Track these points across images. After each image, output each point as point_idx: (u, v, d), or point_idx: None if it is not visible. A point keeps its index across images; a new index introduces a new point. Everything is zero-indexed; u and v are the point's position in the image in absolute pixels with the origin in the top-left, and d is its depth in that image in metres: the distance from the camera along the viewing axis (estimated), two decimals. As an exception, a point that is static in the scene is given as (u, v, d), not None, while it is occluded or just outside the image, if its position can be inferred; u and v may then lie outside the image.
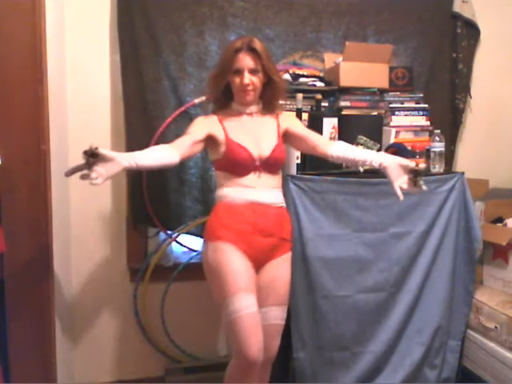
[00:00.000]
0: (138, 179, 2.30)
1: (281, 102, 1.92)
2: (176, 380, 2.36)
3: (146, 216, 2.33)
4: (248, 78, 1.74)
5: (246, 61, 1.74)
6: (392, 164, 1.77)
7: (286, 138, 1.89)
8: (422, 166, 1.76)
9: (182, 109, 2.31)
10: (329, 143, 1.90)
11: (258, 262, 1.77)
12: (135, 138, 2.30)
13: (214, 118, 1.82)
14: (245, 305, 1.62)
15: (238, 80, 1.75)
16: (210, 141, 1.77)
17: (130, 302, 2.44)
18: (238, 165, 1.74)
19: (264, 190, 1.77)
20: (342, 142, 1.90)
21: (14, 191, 1.59)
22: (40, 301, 1.66)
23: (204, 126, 1.77)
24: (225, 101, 1.84)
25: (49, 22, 1.71)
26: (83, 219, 2.36)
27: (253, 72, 1.75)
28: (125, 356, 2.46)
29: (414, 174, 1.72)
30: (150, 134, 2.30)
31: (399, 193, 1.73)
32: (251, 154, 1.74)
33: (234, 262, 1.69)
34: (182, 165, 2.36)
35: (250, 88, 1.75)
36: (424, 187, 1.72)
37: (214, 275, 1.72)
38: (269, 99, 1.85)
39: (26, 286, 1.63)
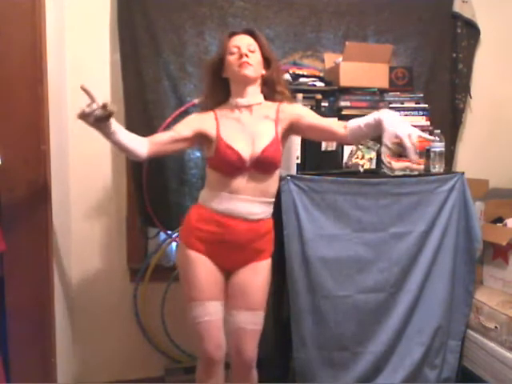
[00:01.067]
0: (138, 179, 2.30)
1: (284, 91, 1.81)
2: (176, 380, 2.36)
3: (146, 216, 2.33)
4: (245, 48, 1.69)
5: (242, 39, 1.72)
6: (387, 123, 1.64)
7: (297, 129, 1.80)
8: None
9: (182, 109, 2.31)
10: (343, 125, 1.74)
11: (229, 267, 1.77)
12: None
13: (209, 115, 1.77)
14: (205, 312, 1.71)
15: (234, 57, 1.69)
16: (202, 138, 1.74)
17: (130, 302, 2.44)
18: (226, 166, 1.69)
19: (248, 202, 1.71)
20: (351, 122, 1.74)
21: (14, 191, 1.59)
22: (40, 300, 1.66)
23: (195, 123, 1.74)
24: (222, 96, 1.79)
25: (49, 22, 1.71)
26: (83, 219, 2.36)
27: (250, 49, 1.70)
28: (125, 356, 2.46)
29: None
30: (150, 133, 2.27)
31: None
32: (241, 155, 1.68)
33: (199, 271, 1.72)
34: (182, 165, 2.36)
35: (247, 59, 1.68)
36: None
37: (182, 276, 1.79)
38: (270, 90, 1.80)
39: (26, 285, 1.63)
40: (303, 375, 2.08)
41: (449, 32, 2.74)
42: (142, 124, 2.31)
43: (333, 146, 2.13)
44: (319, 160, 2.10)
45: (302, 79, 2.28)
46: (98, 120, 1.49)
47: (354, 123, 1.73)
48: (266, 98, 1.80)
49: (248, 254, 1.75)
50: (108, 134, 1.56)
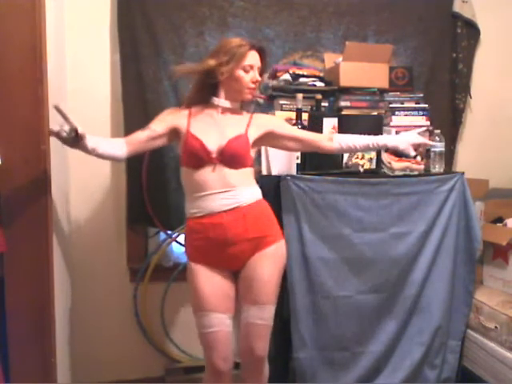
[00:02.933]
0: (137, 179, 2.30)
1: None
2: (176, 380, 2.36)
3: (146, 216, 2.33)
4: (257, 72, 1.77)
5: (257, 58, 1.77)
6: (401, 144, 1.92)
7: (273, 140, 1.86)
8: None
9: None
10: (329, 138, 1.89)
11: (236, 267, 1.77)
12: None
13: (183, 112, 1.80)
14: (209, 324, 1.72)
15: (246, 76, 1.74)
16: (175, 134, 1.78)
17: (130, 302, 2.44)
18: (191, 156, 1.70)
19: (219, 193, 1.69)
20: (340, 135, 1.93)
21: (14, 191, 1.59)
22: (40, 300, 1.66)
23: (169, 118, 1.78)
24: (206, 95, 1.79)
25: (49, 22, 1.71)
26: (83, 219, 2.36)
27: (258, 72, 1.79)
28: (125, 356, 2.46)
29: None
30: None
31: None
32: (204, 144, 1.69)
33: (200, 283, 1.73)
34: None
35: (254, 86, 1.77)
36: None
37: (189, 285, 1.80)
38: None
39: (26, 285, 1.63)
40: (303, 375, 2.08)
41: (449, 32, 2.74)
42: (142, 124, 2.29)
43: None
44: (319, 160, 2.10)
45: (301, 79, 2.29)
46: (65, 142, 1.55)
47: (345, 140, 1.87)
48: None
49: (247, 245, 1.72)
50: (86, 151, 1.62)
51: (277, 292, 1.78)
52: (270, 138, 1.84)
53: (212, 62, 1.72)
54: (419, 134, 1.97)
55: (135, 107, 2.30)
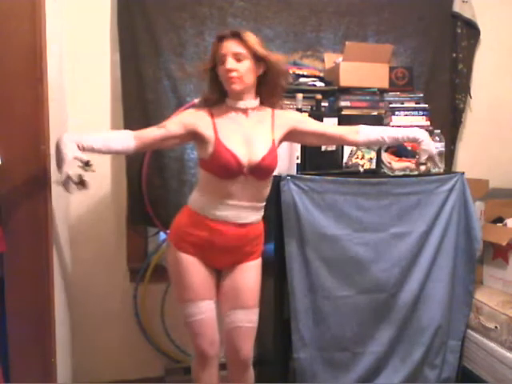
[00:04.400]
0: (137, 179, 2.30)
1: (281, 95, 1.80)
2: (176, 380, 2.36)
3: (146, 216, 2.33)
4: (231, 62, 1.63)
5: (229, 46, 1.65)
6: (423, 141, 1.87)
7: (294, 137, 1.82)
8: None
9: (182, 109, 2.31)
10: (354, 131, 1.85)
11: (220, 266, 1.80)
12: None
13: (205, 115, 1.71)
14: (199, 311, 1.74)
15: (222, 67, 1.65)
16: (196, 136, 1.69)
17: (130, 302, 2.44)
18: (223, 170, 1.66)
19: (239, 206, 1.69)
20: (365, 127, 1.86)
21: (14, 191, 1.59)
22: (40, 300, 1.66)
23: (190, 121, 1.69)
24: (219, 97, 1.74)
25: (49, 22, 1.71)
26: (83, 219, 2.36)
27: (237, 58, 1.64)
28: (125, 356, 2.46)
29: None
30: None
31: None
32: (240, 161, 1.65)
33: (191, 274, 1.73)
34: (182, 165, 2.36)
35: (234, 74, 1.63)
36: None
37: (173, 278, 1.81)
38: (267, 93, 1.75)
39: (26, 285, 1.63)
40: (303, 375, 2.08)
41: (449, 32, 2.74)
42: (142, 124, 2.30)
43: (333, 147, 2.14)
44: (319, 160, 2.10)
45: (302, 79, 2.29)
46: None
47: (372, 133, 1.85)
48: (263, 99, 1.76)
49: (238, 256, 1.77)
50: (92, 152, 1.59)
51: (259, 297, 1.82)
52: (292, 135, 1.80)
53: (204, 67, 1.74)
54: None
55: (135, 107, 2.30)
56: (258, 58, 1.67)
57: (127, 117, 2.30)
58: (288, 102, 2.22)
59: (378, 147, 2.15)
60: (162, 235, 2.43)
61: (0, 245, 1.51)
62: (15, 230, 1.59)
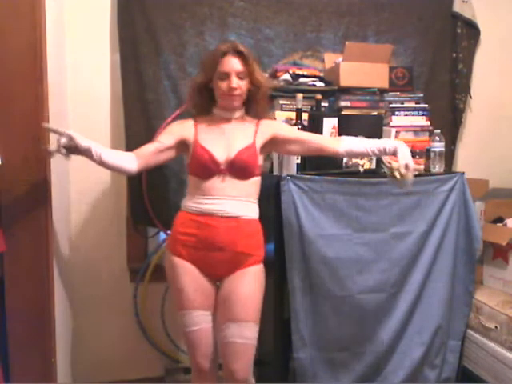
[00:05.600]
0: (137, 179, 2.30)
1: (266, 106, 1.86)
2: (176, 380, 2.37)
3: (146, 216, 2.33)
4: (236, 81, 1.69)
5: (233, 64, 1.69)
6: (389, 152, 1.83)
7: (277, 145, 1.83)
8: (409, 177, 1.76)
9: (182, 109, 2.31)
10: (335, 140, 1.88)
11: (217, 275, 1.74)
12: (135, 138, 2.29)
13: (190, 123, 1.79)
14: (193, 322, 1.71)
15: (224, 84, 1.69)
16: (183, 145, 1.76)
17: (130, 302, 2.44)
18: (200, 167, 1.70)
19: (224, 199, 1.69)
20: (347, 138, 1.86)
21: (14, 191, 1.59)
22: (40, 300, 1.66)
23: (177, 131, 1.77)
24: (207, 106, 1.80)
25: (49, 22, 1.71)
26: (83, 219, 2.36)
27: (239, 76, 1.70)
28: (125, 356, 2.46)
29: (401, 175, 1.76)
30: (149, 134, 2.29)
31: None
32: (213, 156, 1.69)
33: (184, 280, 1.71)
34: (182, 165, 2.36)
35: (237, 92, 1.70)
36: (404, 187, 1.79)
37: (169, 284, 1.80)
38: (252, 105, 1.81)
39: (26, 285, 1.63)
40: (303, 375, 2.08)
41: (449, 32, 2.74)
42: (142, 124, 2.31)
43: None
44: (319, 160, 2.09)
45: (301, 79, 2.28)
46: (68, 149, 1.60)
47: (354, 144, 1.83)
48: (248, 109, 1.82)
49: (231, 256, 1.70)
50: (90, 156, 1.63)
51: (259, 311, 1.73)
52: (274, 143, 1.82)
53: (198, 79, 1.76)
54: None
55: (135, 107, 2.30)
56: (250, 74, 1.74)
57: (127, 117, 2.30)
58: (288, 102, 2.23)
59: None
60: (162, 235, 2.43)
61: (0, 245, 1.51)
62: (15, 230, 1.59)
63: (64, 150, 1.58)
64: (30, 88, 1.58)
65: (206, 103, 1.80)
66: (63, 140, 1.57)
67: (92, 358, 2.39)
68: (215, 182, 1.70)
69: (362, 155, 1.94)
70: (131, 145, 2.28)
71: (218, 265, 1.71)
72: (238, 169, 1.71)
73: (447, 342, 2.29)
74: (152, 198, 2.32)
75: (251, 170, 1.73)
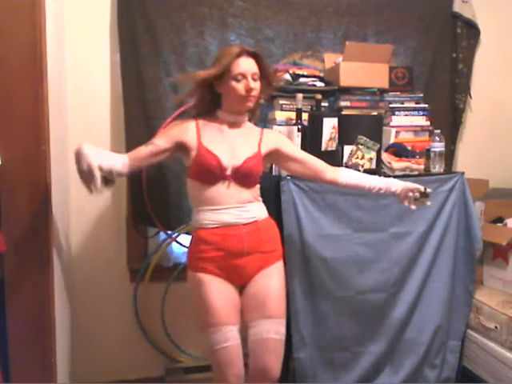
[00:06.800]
0: (137, 179, 2.30)
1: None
2: (176, 380, 2.36)
3: (146, 216, 2.33)
4: (252, 82, 1.66)
5: (249, 65, 1.67)
6: (402, 190, 1.83)
7: (278, 159, 1.82)
8: (429, 190, 1.81)
9: (182, 109, 2.31)
10: (334, 169, 1.83)
11: (242, 281, 1.73)
12: (135, 138, 2.30)
13: (191, 124, 1.73)
14: (223, 338, 1.61)
15: (239, 86, 1.65)
16: (182, 148, 1.71)
17: (130, 302, 2.44)
18: (205, 172, 1.66)
19: (236, 207, 1.68)
20: (347, 170, 1.85)
21: (14, 191, 1.59)
22: (40, 300, 1.66)
23: (175, 133, 1.71)
24: (209, 109, 1.76)
25: (49, 22, 1.71)
26: (83, 219, 2.36)
27: (254, 78, 1.68)
28: (125, 356, 2.46)
29: (421, 195, 1.80)
30: (149, 133, 2.29)
31: (413, 207, 1.82)
32: (221, 161, 1.65)
33: (211, 295, 1.65)
34: (183, 166, 2.36)
35: (254, 94, 1.68)
36: (428, 203, 1.81)
37: (194, 302, 1.72)
38: (253, 107, 1.78)
39: (26, 285, 1.63)
40: (303, 375, 2.08)
41: (449, 32, 2.74)
42: (142, 124, 2.31)
43: (333, 146, 2.14)
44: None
45: (302, 79, 2.28)
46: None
47: (352, 177, 1.82)
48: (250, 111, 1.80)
49: (257, 258, 1.70)
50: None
51: (285, 306, 1.73)
52: (276, 156, 1.80)
53: (205, 75, 1.68)
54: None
55: (135, 107, 2.30)
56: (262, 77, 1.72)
57: (127, 116, 2.30)
58: (288, 102, 2.23)
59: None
60: (162, 235, 2.43)
61: (0, 245, 1.51)
62: (15, 230, 1.59)
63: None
64: (30, 88, 1.58)
65: (209, 104, 1.75)
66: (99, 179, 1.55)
67: (92, 357, 2.39)
68: (220, 189, 1.67)
69: (358, 189, 1.85)
70: (131, 145, 2.28)
71: (246, 269, 1.70)
72: (244, 177, 1.69)
73: (447, 342, 2.29)
74: (152, 198, 2.32)
75: (256, 178, 1.73)
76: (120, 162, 1.66)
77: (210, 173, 1.66)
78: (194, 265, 1.71)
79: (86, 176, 1.55)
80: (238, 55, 1.66)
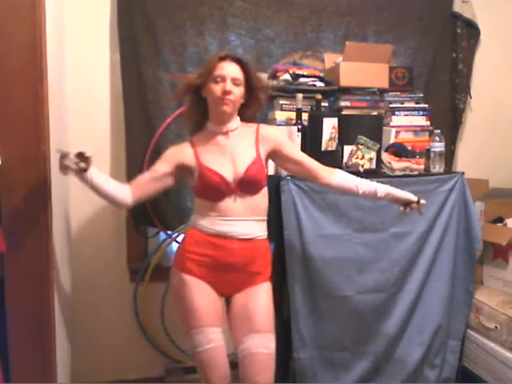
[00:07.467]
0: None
1: (261, 107, 1.82)
2: (176, 380, 2.36)
3: (146, 216, 2.33)
4: (230, 85, 1.63)
5: (230, 68, 1.66)
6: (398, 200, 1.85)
7: (276, 158, 1.81)
8: (423, 201, 1.85)
9: (182, 109, 2.31)
10: (330, 171, 1.81)
11: (227, 293, 1.73)
12: (135, 138, 2.30)
13: (186, 146, 1.73)
14: (206, 340, 1.61)
15: (217, 88, 1.63)
16: (184, 169, 1.71)
17: (130, 302, 2.44)
18: (211, 190, 1.66)
19: (239, 221, 1.67)
20: (343, 172, 1.83)
21: (14, 191, 1.58)
22: (40, 300, 1.66)
23: (172, 156, 1.71)
24: (201, 115, 1.75)
25: (49, 22, 1.71)
26: (83, 219, 2.36)
27: (235, 83, 1.65)
28: (125, 356, 2.46)
29: (416, 204, 1.85)
30: (150, 133, 2.30)
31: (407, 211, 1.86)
32: (224, 177, 1.65)
33: (196, 297, 1.65)
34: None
35: (230, 97, 1.63)
36: (422, 212, 1.86)
37: (178, 304, 1.72)
38: (248, 116, 1.77)
39: (26, 285, 1.63)
40: (303, 375, 2.08)
41: (449, 32, 2.74)
42: (142, 124, 2.31)
43: (333, 146, 2.14)
44: (319, 160, 2.08)
45: (301, 79, 2.28)
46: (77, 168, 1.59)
47: (347, 180, 1.81)
48: (242, 115, 1.77)
49: (244, 277, 1.70)
50: (91, 186, 1.64)
51: (273, 323, 1.71)
52: (276, 156, 1.79)
53: (192, 79, 1.71)
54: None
55: (135, 107, 2.30)
56: (248, 86, 1.70)
57: (127, 117, 2.30)
58: (288, 102, 2.23)
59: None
60: (162, 235, 2.43)
61: (0, 245, 1.51)
62: (15, 230, 1.59)
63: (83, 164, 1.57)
64: (30, 88, 1.57)
65: (199, 114, 1.74)
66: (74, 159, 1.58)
67: (92, 358, 2.39)
68: (227, 203, 1.67)
69: (352, 193, 1.83)
70: (131, 145, 2.29)
71: (231, 284, 1.70)
72: (249, 185, 1.68)
73: (447, 342, 2.29)
74: (152, 198, 2.32)
75: (261, 184, 1.72)
76: (121, 192, 1.68)
77: (216, 190, 1.66)
78: (181, 264, 1.72)
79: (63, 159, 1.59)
80: (222, 59, 1.66)
